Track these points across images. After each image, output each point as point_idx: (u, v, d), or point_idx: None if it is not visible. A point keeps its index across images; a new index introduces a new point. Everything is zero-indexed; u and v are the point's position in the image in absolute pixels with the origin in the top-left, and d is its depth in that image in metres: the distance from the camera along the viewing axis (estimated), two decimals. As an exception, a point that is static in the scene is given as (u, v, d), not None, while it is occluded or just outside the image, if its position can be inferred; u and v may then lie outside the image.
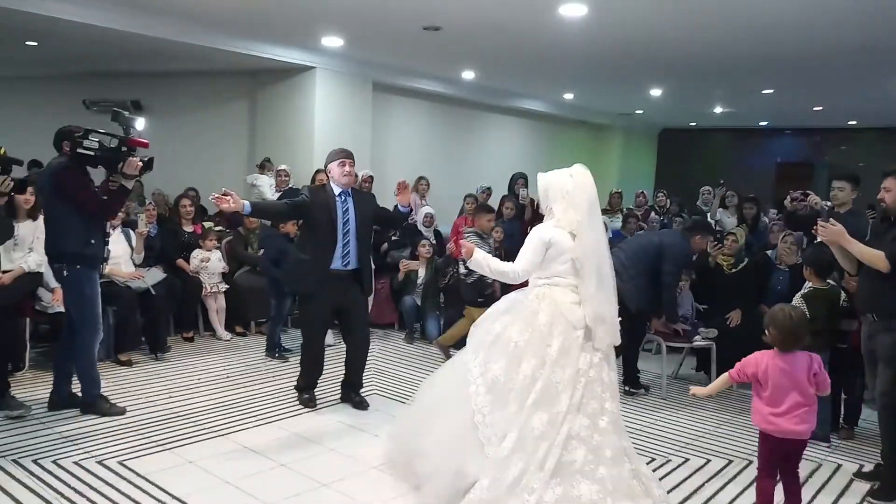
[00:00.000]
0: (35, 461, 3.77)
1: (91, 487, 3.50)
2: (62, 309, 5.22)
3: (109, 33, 6.91)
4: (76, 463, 3.77)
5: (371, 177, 8.48)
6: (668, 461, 4.24)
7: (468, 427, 3.35)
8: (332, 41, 7.96)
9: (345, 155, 4.76)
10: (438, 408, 3.56)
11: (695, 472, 4.09)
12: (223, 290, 6.65)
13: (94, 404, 4.50)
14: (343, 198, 4.70)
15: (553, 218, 3.55)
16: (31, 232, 5.29)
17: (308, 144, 8.89)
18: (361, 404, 4.92)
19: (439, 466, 3.35)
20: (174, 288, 6.23)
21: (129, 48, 8.07)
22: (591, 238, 3.47)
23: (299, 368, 5.00)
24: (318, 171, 6.67)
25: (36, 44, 8.56)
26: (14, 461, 3.75)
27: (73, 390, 4.62)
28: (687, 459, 4.27)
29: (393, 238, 7.53)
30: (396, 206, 5.27)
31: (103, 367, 5.46)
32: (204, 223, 6.69)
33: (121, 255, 5.92)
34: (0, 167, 3.91)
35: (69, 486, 3.51)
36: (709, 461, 4.27)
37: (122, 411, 4.53)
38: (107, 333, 5.73)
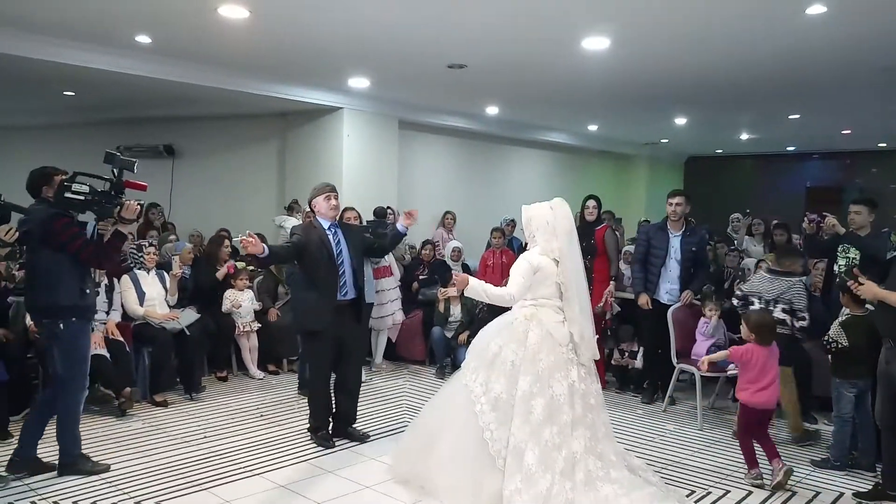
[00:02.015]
0: (74, 503, 3.81)
1: (130, 528, 3.53)
2: (102, 351, 5.34)
3: (143, 81, 7.13)
4: (115, 504, 3.81)
5: (394, 211, 8.56)
6: (708, 493, 4.15)
7: (478, 443, 3.72)
8: (359, 82, 8.11)
9: (330, 189, 4.85)
10: (445, 427, 3.90)
11: (736, 505, 4.01)
12: (256, 328, 6.71)
13: (75, 464, 4.19)
14: (333, 230, 4.80)
15: (537, 246, 3.99)
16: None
17: (336, 183, 8.82)
18: (363, 437, 4.92)
19: (460, 479, 3.71)
20: (208, 328, 6.31)
21: (161, 94, 8.31)
22: (572, 264, 3.96)
23: (308, 409, 4.92)
24: (345, 210, 6.75)
25: (73, 93, 8.84)
26: (54, 503, 3.79)
27: (38, 454, 4.23)
28: (728, 491, 4.18)
29: (421, 277, 7.58)
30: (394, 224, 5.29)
31: (140, 407, 5.54)
32: (237, 264, 6.79)
33: (155, 296, 6.03)
34: (1, 216, 3.88)
35: (109, 527, 3.54)
36: (750, 493, 4.17)
37: (106, 468, 4.25)
38: (142, 374, 5.83)
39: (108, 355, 5.37)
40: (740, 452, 4.67)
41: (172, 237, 7.59)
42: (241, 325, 6.61)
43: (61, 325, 4.03)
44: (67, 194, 4.00)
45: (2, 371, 4.68)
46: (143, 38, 6.22)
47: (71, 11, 5.49)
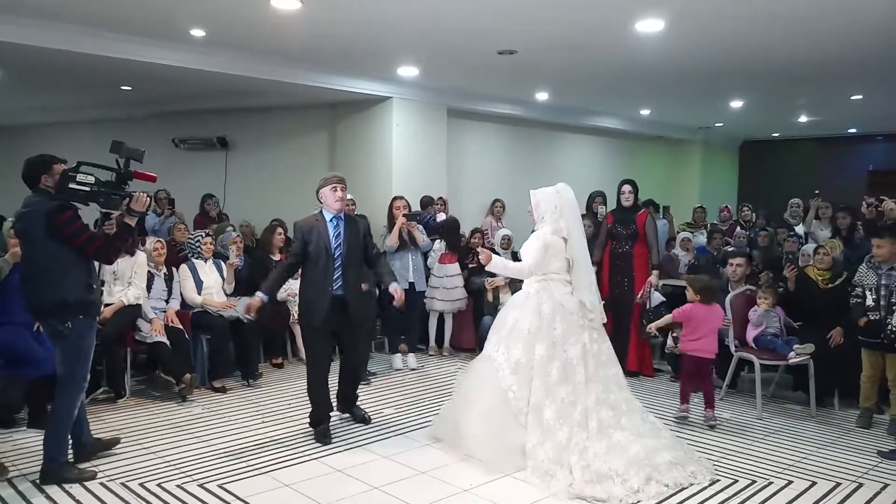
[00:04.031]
0: (141, 484, 3.93)
1: (194, 510, 3.63)
2: (162, 338, 5.49)
3: (197, 74, 7.27)
4: (179, 486, 3.91)
5: (444, 200, 8.58)
6: (770, 483, 4.06)
7: (503, 403, 4.19)
8: (408, 70, 8.11)
9: (337, 180, 4.76)
10: (475, 393, 4.38)
11: (800, 496, 3.91)
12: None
13: (60, 472, 3.90)
14: (335, 223, 4.74)
15: (547, 226, 4.47)
16: (130, 267, 5.61)
17: (385, 173, 9.05)
18: (364, 419, 4.99)
19: (489, 435, 4.16)
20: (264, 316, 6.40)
21: (215, 87, 8.45)
22: (578, 241, 4.48)
23: (308, 396, 4.84)
24: (394, 199, 6.79)
25: (129, 87, 9.06)
26: (122, 484, 3.92)
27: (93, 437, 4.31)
28: (790, 482, 4.08)
29: (470, 266, 7.57)
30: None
31: (199, 393, 5.68)
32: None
33: (213, 285, 6.16)
34: None
35: (174, 508, 3.64)
36: (814, 483, 4.06)
37: (92, 475, 3.97)
38: (201, 361, 5.97)
39: (167, 342, 5.52)
40: (803, 443, 4.61)
41: (229, 227, 7.73)
42: (296, 312, 6.69)
43: (69, 324, 3.80)
44: (72, 185, 3.76)
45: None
46: (198, 32, 6.33)
47: (128, 7, 5.61)
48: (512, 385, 4.22)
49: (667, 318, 5.23)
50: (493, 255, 4.59)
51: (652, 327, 5.34)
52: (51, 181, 3.84)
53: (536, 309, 4.34)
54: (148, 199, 4.05)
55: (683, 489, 3.94)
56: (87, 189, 3.80)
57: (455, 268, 7.16)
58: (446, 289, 7.05)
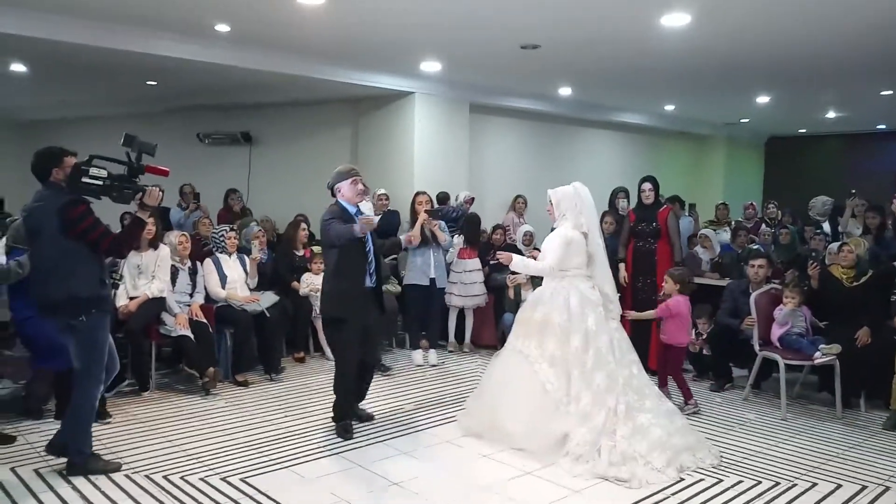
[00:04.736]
0: (165, 476, 3.97)
1: (216, 503, 3.66)
2: (186, 332, 5.54)
3: (222, 69, 7.33)
4: (202, 479, 3.94)
5: (472, 198, 8.58)
6: (794, 485, 4.01)
7: (541, 394, 4.37)
8: (431, 66, 8.10)
9: (356, 173, 4.72)
10: (507, 387, 4.54)
11: (825, 498, 3.86)
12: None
13: (86, 465, 3.94)
14: (359, 216, 4.68)
15: (567, 222, 4.66)
16: (154, 260, 5.66)
17: (408, 168, 9.06)
18: (369, 417, 4.98)
19: (531, 425, 4.33)
20: (286, 310, 6.45)
21: (239, 82, 8.50)
22: (597, 236, 4.73)
23: (335, 391, 4.77)
24: (417, 194, 6.79)
25: (155, 83, 9.15)
26: (146, 476, 3.97)
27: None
28: (815, 484, 4.03)
29: (492, 262, 7.55)
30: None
31: (223, 387, 5.73)
32: (313, 248, 6.91)
33: (237, 279, 6.21)
34: None
35: (197, 500, 3.68)
36: (840, 486, 4.01)
37: (117, 467, 4.02)
38: (224, 355, 6.02)
39: (192, 336, 5.57)
40: (828, 445, 4.58)
41: (252, 222, 7.78)
42: (318, 307, 6.72)
43: (82, 318, 3.79)
44: (84, 179, 3.72)
45: None
46: (223, 27, 6.37)
47: (155, 3, 5.66)
48: (550, 377, 4.40)
49: (649, 314, 5.38)
50: (514, 255, 4.81)
51: (630, 314, 5.49)
52: (62, 175, 3.80)
53: (564, 303, 4.53)
54: (160, 193, 4.00)
55: (706, 489, 3.92)
56: (100, 183, 3.76)
57: (474, 263, 7.15)
58: (464, 284, 7.06)
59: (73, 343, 3.87)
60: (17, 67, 8.24)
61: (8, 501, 3.63)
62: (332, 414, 4.80)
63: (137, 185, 3.90)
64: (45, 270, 3.81)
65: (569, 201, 4.72)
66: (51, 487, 3.81)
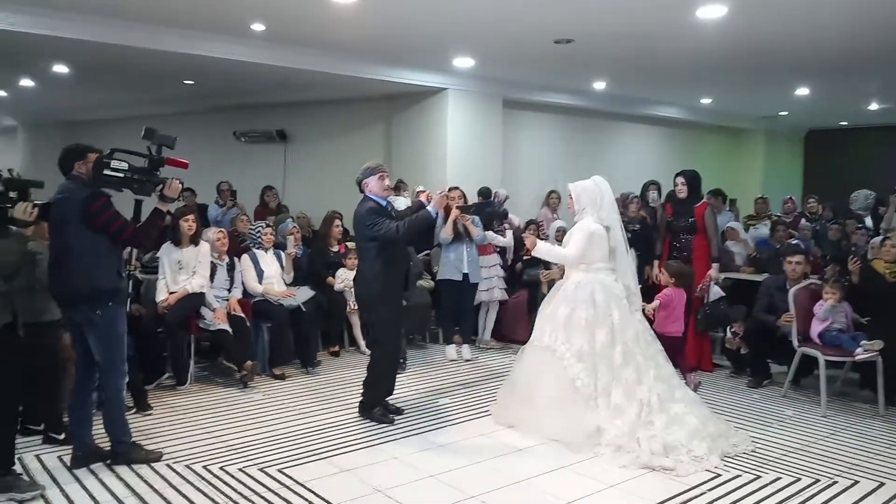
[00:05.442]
0: (205, 467, 4.05)
1: (255, 493, 3.72)
2: (224, 326, 5.64)
3: (258, 67, 7.44)
4: (241, 470, 4.02)
5: (507, 196, 8.56)
6: (835, 482, 3.95)
7: (571, 390, 4.42)
8: (464, 62, 8.12)
9: (383, 169, 4.85)
10: (537, 382, 4.59)
11: (866, 496, 3.79)
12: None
13: (128, 453, 4.04)
14: (389, 209, 4.85)
15: (589, 216, 4.70)
16: (194, 256, 5.76)
17: (441, 164, 9.10)
18: (397, 412, 4.98)
19: (564, 419, 4.37)
20: (321, 305, 6.53)
21: (274, 80, 8.63)
22: (618, 229, 4.75)
23: (372, 384, 4.89)
24: (450, 189, 6.79)
25: (192, 82, 9.31)
26: (187, 466, 4.06)
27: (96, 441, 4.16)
28: (856, 482, 3.96)
29: (525, 258, 7.54)
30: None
31: (260, 380, 5.82)
32: (347, 244, 6.98)
33: (273, 274, 6.29)
34: (18, 192, 3.64)
35: (236, 490, 3.75)
36: (882, 484, 3.93)
37: (158, 456, 4.12)
38: (261, 349, 6.11)
39: (230, 330, 5.66)
40: (870, 442, 4.51)
41: (288, 218, 7.88)
42: (353, 303, 6.78)
43: (99, 311, 3.81)
44: (106, 171, 3.79)
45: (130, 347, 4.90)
46: (258, 26, 6.47)
47: (191, 3, 5.77)
48: (579, 373, 4.44)
49: (654, 304, 5.38)
50: (538, 240, 4.93)
51: (646, 307, 5.28)
52: (84, 168, 3.89)
53: (589, 298, 4.57)
54: (180, 185, 4.02)
55: (744, 485, 3.88)
56: (121, 175, 3.82)
57: (493, 258, 7.10)
58: (483, 279, 6.97)
59: (92, 337, 3.87)
60: (60, 69, 8.45)
61: (54, 486, 3.75)
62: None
63: (158, 178, 3.95)
64: (67, 263, 3.83)
65: (589, 195, 4.77)
66: (93, 473, 3.92)
